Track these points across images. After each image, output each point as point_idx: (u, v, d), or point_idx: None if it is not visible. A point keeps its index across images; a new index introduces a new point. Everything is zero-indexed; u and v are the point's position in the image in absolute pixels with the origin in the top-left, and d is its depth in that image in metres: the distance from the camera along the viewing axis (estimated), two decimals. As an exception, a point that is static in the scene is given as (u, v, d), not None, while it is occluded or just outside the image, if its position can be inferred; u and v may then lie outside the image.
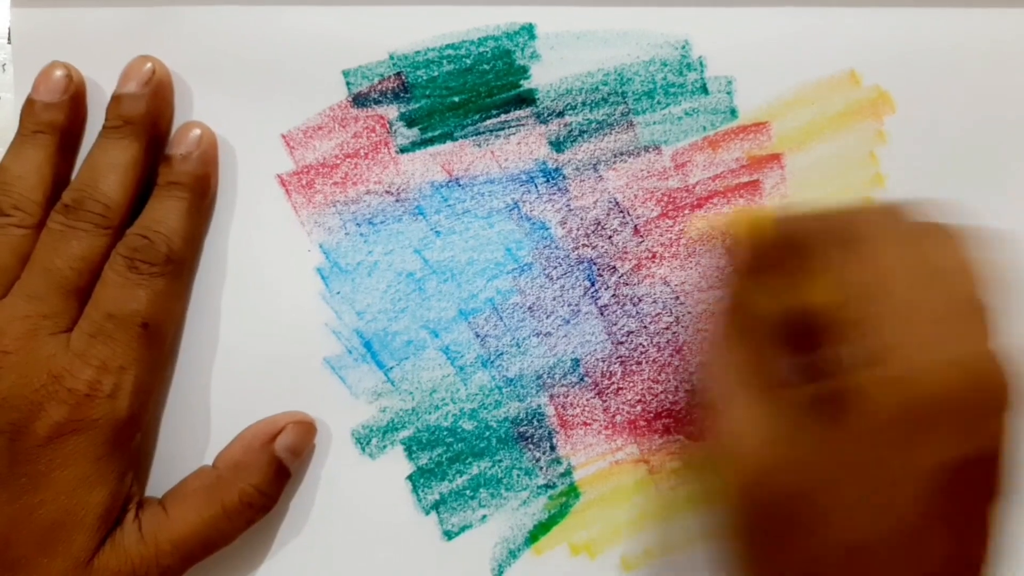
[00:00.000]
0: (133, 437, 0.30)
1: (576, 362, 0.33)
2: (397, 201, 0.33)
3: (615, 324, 0.33)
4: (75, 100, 0.32)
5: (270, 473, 0.31)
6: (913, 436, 0.23)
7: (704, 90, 0.33)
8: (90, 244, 0.30)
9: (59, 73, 0.32)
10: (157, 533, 0.30)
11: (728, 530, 0.26)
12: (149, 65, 0.32)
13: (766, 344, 0.27)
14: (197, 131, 0.32)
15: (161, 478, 0.33)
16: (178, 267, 0.31)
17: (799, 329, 0.25)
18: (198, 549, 0.30)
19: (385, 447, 0.33)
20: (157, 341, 0.31)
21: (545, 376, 0.33)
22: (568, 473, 0.33)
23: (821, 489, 0.24)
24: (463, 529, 0.33)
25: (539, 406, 0.33)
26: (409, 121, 0.33)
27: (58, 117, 0.31)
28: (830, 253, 0.25)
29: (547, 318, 0.33)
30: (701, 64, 0.33)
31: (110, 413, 0.29)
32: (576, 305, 0.33)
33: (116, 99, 0.32)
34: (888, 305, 0.24)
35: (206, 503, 0.30)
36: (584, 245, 0.33)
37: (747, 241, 0.28)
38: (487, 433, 0.33)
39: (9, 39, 0.33)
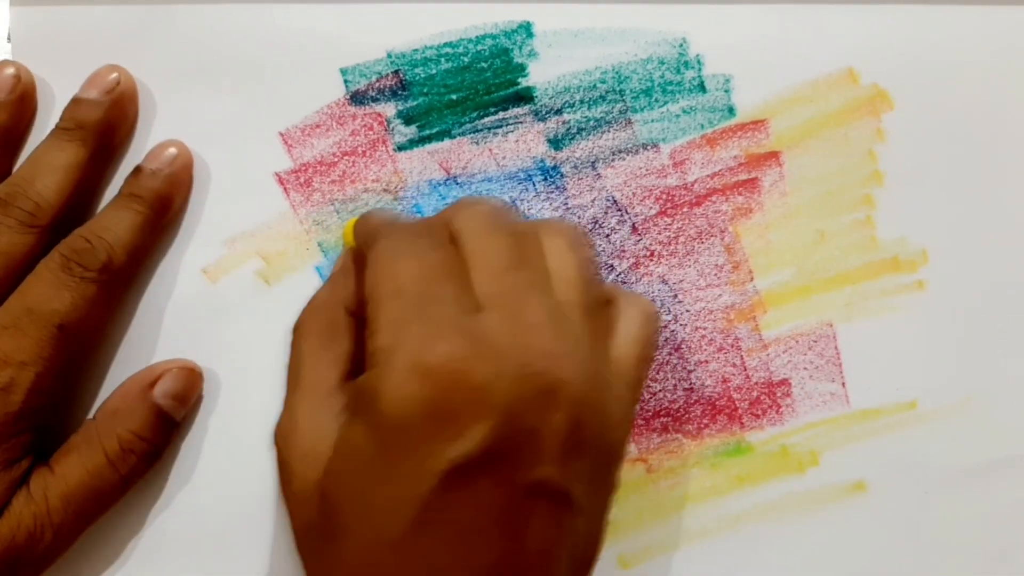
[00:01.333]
0: (23, 433, 0.30)
1: (574, 360, 0.33)
2: (395, 199, 0.33)
3: (613, 322, 0.33)
4: (22, 100, 0.32)
5: (149, 418, 0.31)
6: (417, 436, 0.23)
7: (702, 88, 0.33)
8: (11, 240, 0.30)
9: (8, 72, 0.32)
10: (45, 491, 0.29)
11: (293, 530, 0.26)
12: (115, 75, 0.32)
13: (348, 343, 0.28)
14: (173, 150, 0.32)
15: (161, 471, 0.33)
16: (113, 277, 0.31)
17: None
18: (89, 503, 0.30)
19: (383, 445, 0.33)
20: (70, 345, 0.30)
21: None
22: (566, 471, 0.33)
23: (352, 487, 0.24)
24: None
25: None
26: (407, 119, 0.33)
27: (1, 116, 0.32)
28: (369, 254, 0.27)
29: (545, 316, 0.33)
30: (699, 62, 0.33)
31: (1, 407, 0.29)
32: (574, 303, 0.33)
33: (75, 102, 0.32)
34: (397, 304, 0.25)
35: (88, 454, 0.30)
36: (582, 243, 0.33)
37: (347, 245, 0.31)
38: (485, 431, 0.33)
39: (9, 39, 0.33)
